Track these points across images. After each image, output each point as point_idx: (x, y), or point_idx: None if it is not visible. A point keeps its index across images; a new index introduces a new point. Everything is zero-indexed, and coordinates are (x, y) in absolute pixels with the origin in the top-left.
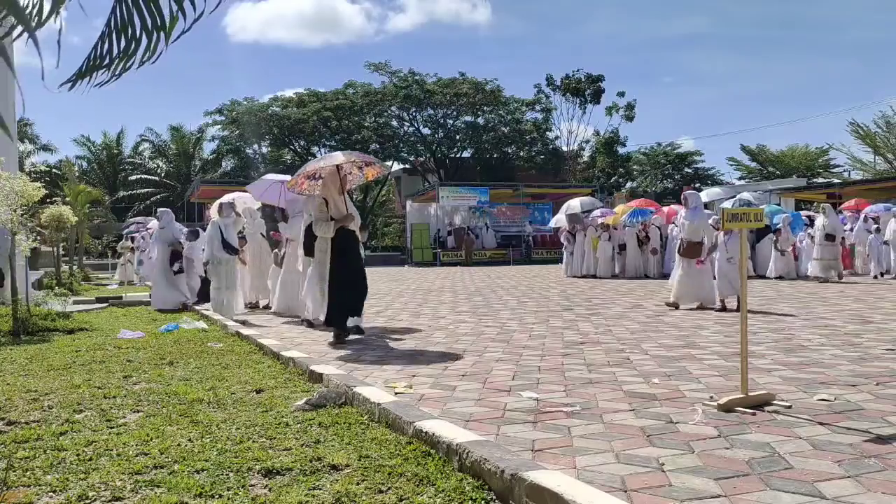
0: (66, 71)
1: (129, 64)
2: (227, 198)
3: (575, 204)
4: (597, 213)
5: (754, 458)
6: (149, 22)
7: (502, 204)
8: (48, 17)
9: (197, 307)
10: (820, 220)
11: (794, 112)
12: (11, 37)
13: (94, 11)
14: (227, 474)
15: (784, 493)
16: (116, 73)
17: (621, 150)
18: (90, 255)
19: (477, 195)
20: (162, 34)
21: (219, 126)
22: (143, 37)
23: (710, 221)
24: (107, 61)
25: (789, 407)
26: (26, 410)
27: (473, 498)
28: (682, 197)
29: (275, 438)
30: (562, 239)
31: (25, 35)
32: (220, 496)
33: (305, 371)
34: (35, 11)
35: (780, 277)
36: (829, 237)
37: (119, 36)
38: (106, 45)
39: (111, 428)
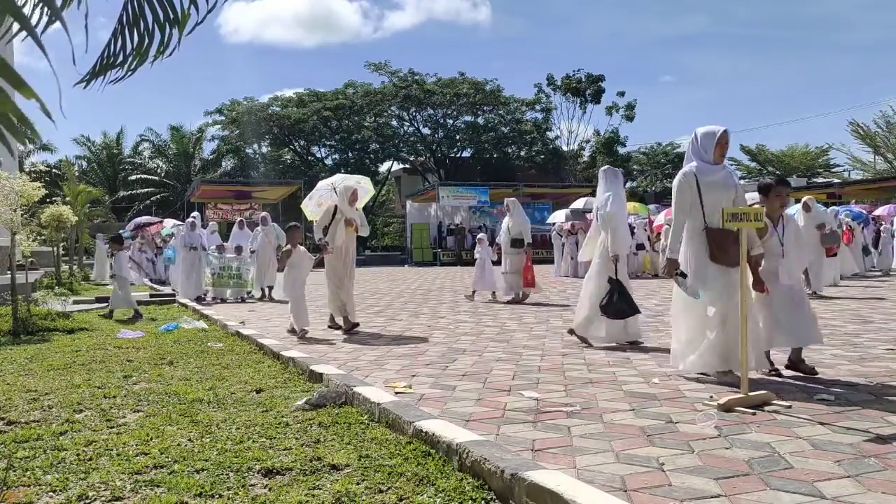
0: (68, 69)
1: (143, 60)
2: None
3: (581, 202)
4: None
5: (754, 458)
6: (161, 15)
7: (502, 204)
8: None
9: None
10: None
11: (794, 112)
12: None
13: (105, 11)
14: (227, 474)
15: (784, 492)
16: (132, 68)
17: (621, 150)
18: (90, 254)
19: (477, 195)
20: (175, 28)
21: (219, 126)
22: (157, 31)
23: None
24: (120, 59)
25: (789, 407)
26: (26, 410)
27: (473, 498)
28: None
29: (275, 438)
30: (553, 237)
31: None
32: (220, 496)
33: (305, 371)
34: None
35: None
36: None
37: (132, 31)
38: (119, 42)
39: (111, 428)
